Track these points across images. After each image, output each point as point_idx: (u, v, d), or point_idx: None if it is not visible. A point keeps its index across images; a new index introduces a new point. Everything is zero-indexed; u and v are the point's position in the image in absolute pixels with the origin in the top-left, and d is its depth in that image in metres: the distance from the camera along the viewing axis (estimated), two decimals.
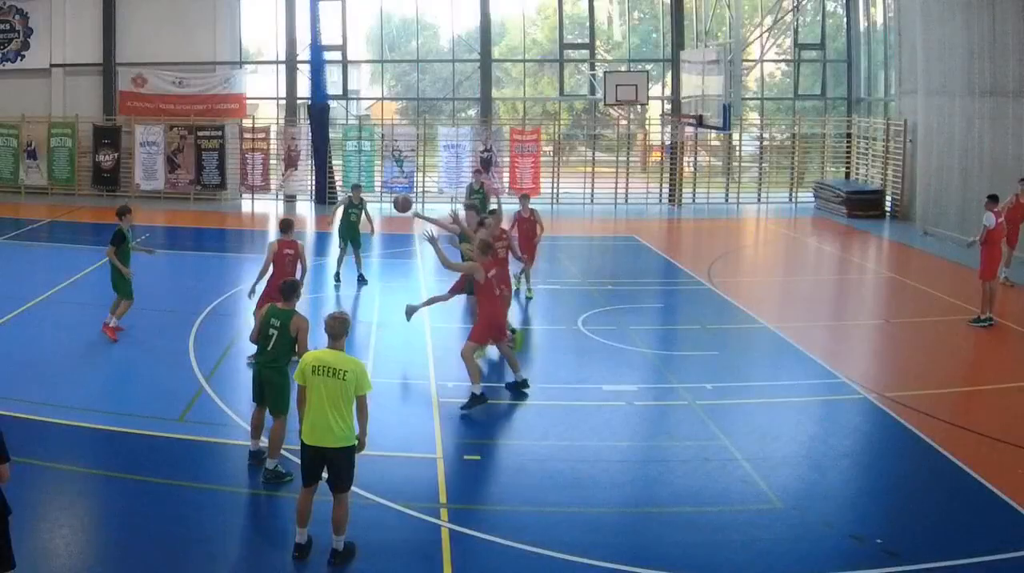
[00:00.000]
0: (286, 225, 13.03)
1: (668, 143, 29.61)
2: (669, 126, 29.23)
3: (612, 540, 8.07)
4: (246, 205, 28.42)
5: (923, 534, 8.10)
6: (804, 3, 27.91)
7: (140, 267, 15.64)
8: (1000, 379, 12.65)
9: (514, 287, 15.93)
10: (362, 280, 17.67)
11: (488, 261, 11.35)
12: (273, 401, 9.11)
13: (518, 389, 11.52)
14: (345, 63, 29.86)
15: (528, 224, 16.83)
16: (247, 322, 14.71)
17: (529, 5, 32.27)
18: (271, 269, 12.41)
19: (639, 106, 29.06)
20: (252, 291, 12.44)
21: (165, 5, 28.51)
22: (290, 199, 28.94)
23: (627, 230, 25.00)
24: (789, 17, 26.38)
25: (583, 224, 25.86)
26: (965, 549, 7.71)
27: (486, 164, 28.23)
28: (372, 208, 28.13)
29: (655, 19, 31.89)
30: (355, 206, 18.10)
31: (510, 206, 18.84)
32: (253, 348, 9.71)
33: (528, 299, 16.44)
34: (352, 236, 17.82)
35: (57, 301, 15.70)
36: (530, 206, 17.09)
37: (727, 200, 30.03)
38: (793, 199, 29.71)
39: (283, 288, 9.16)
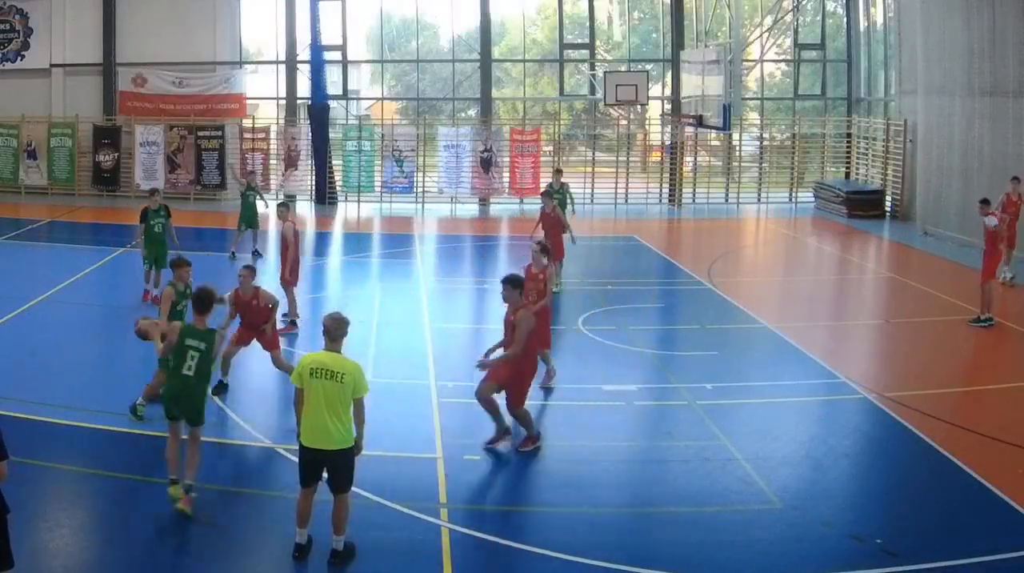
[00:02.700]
0: None
1: (668, 143, 29.60)
2: (669, 126, 29.22)
3: (612, 540, 8.06)
4: None
5: (923, 534, 8.10)
6: (804, 3, 27.91)
7: (141, 268, 15.63)
8: (1000, 379, 12.65)
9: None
10: (257, 254, 19.76)
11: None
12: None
13: None
14: (345, 63, 29.86)
15: (549, 219, 16.86)
16: None
17: (529, 5, 32.27)
18: None
19: (639, 106, 29.06)
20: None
21: (165, 5, 28.50)
22: (290, 199, 28.91)
23: (627, 230, 25.01)
24: (789, 17, 26.37)
25: (583, 224, 25.82)
26: (965, 549, 7.71)
27: (486, 164, 28.25)
28: (373, 208, 28.36)
29: (655, 19, 31.89)
30: (251, 189, 20.28)
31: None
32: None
33: (555, 292, 16.26)
34: (250, 217, 19.94)
35: (57, 301, 15.69)
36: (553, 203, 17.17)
37: (727, 200, 30.02)
38: (793, 199, 29.71)
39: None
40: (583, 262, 19.76)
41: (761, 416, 10.90)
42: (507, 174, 28.63)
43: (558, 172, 20.05)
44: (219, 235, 24.20)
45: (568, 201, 19.02)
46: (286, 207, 15.23)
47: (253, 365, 12.94)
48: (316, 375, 7.36)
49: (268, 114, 30.47)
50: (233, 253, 19.57)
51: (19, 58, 28.86)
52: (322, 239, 24.45)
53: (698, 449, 9.90)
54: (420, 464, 9.53)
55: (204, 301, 8.58)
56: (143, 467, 9.20)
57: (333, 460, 7.39)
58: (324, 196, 28.35)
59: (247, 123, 28.97)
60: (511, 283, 9.80)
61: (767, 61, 29.58)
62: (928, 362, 13.29)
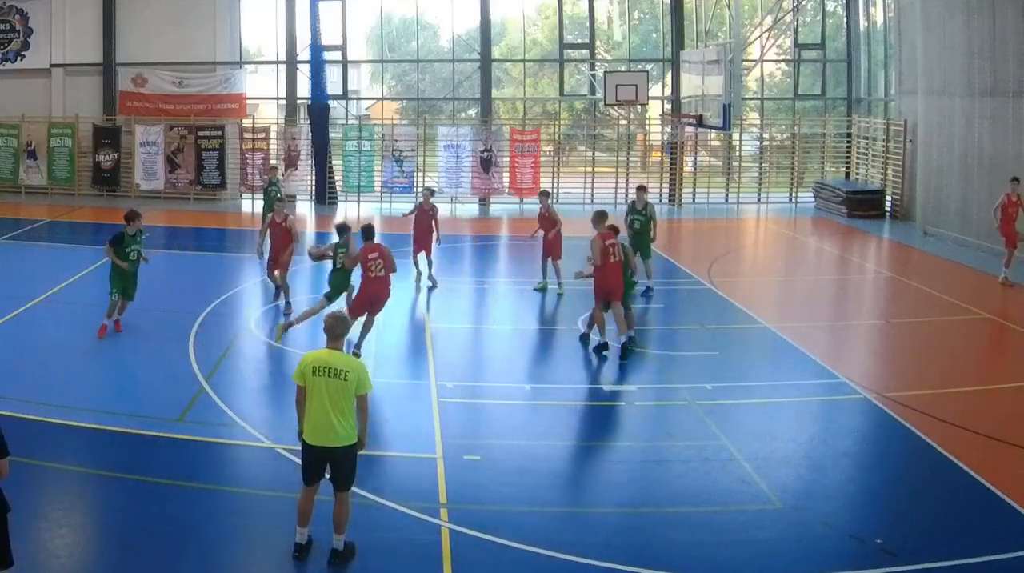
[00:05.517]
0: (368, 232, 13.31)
1: (668, 143, 29.60)
2: (669, 126, 29.22)
3: (612, 540, 8.07)
4: (246, 205, 28.41)
5: (923, 534, 8.10)
6: (804, 3, 27.91)
7: (141, 268, 15.60)
8: (1000, 379, 12.64)
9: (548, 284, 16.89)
10: None
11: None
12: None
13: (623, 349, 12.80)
14: (345, 63, 29.86)
15: (545, 221, 17.09)
16: (247, 322, 14.73)
17: (529, 5, 32.30)
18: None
19: (639, 106, 29.06)
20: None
21: (165, 5, 28.50)
22: (290, 199, 28.90)
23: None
24: (789, 17, 26.36)
25: (583, 224, 25.78)
26: (965, 549, 7.71)
27: (486, 164, 28.25)
28: (373, 208, 28.35)
29: (655, 19, 31.89)
30: (273, 184, 20.25)
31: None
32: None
33: (559, 295, 16.69)
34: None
35: (57, 301, 15.70)
36: (548, 202, 17.42)
37: (727, 200, 30.01)
38: (793, 199, 29.70)
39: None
40: (583, 262, 19.72)
41: (761, 416, 10.90)
42: (507, 174, 28.63)
43: (641, 189, 17.71)
44: (219, 235, 24.25)
45: (652, 225, 16.84)
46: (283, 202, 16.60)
47: (253, 365, 12.96)
48: (319, 373, 7.37)
49: (268, 114, 30.47)
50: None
51: (19, 58, 28.86)
52: (322, 239, 24.41)
53: (698, 449, 9.90)
54: (420, 464, 9.53)
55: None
56: (143, 467, 9.21)
57: (336, 457, 7.40)
58: (324, 196, 28.35)
59: (247, 123, 28.97)
60: None
61: (767, 61, 29.56)
62: (928, 362, 13.29)
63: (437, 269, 18.06)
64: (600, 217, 13.67)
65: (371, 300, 12.75)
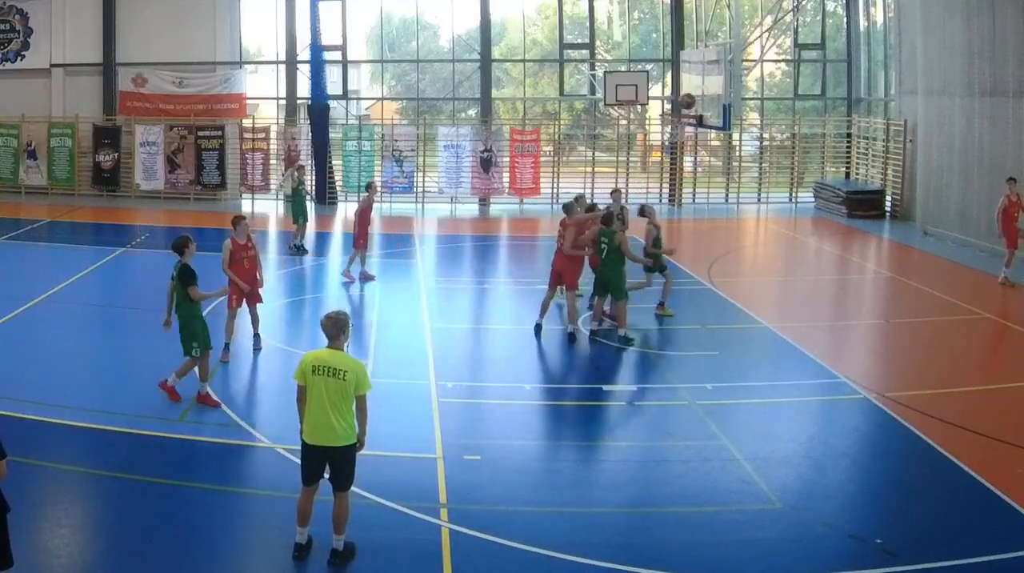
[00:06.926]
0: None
1: (668, 143, 29.61)
2: (669, 126, 29.22)
3: (612, 540, 8.07)
4: (246, 205, 28.39)
5: (923, 534, 8.09)
6: (804, 3, 27.91)
7: (142, 268, 15.61)
8: (1000, 379, 12.64)
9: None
10: (301, 249, 20.71)
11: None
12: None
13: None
14: (345, 63, 29.87)
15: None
16: (247, 322, 14.72)
17: (529, 5, 32.31)
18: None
19: (639, 106, 29.06)
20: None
21: (165, 5, 28.51)
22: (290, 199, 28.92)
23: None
24: (789, 17, 26.36)
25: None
26: (965, 549, 7.70)
27: (486, 164, 28.26)
28: (373, 208, 28.30)
29: (655, 19, 31.90)
30: (302, 183, 21.01)
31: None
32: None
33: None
34: (304, 210, 21.07)
35: (57, 301, 15.69)
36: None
37: (727, 200, 30.02)
38: (793, 199, 29.71)
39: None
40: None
41: (761, 416, 10.90)
42: (507, 174, 28.64)
43: (616, 192, 17.00)
44: (219, 235, 24.15)
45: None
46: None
47: (253, 365, 12.95)
48: (318, 372, 7.38)
49: (268, 114, 30.49)
50: (302, 246, 20.61)
51: (19, 58, 28.86)
52: (322, 239, 24.44)
53: (698, 449, 9.90)
54: (420, 464, 9.53)
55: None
56: (143, 467, 9.21)
57: (336, 457, 7.40)
58: (324, 196, 28.35)
59: (247, 123, 28.98)
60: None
61: (767, 61, 29.58)
62: (928, 362, 13.29)
63: (438, 269, 18.09)
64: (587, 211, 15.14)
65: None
